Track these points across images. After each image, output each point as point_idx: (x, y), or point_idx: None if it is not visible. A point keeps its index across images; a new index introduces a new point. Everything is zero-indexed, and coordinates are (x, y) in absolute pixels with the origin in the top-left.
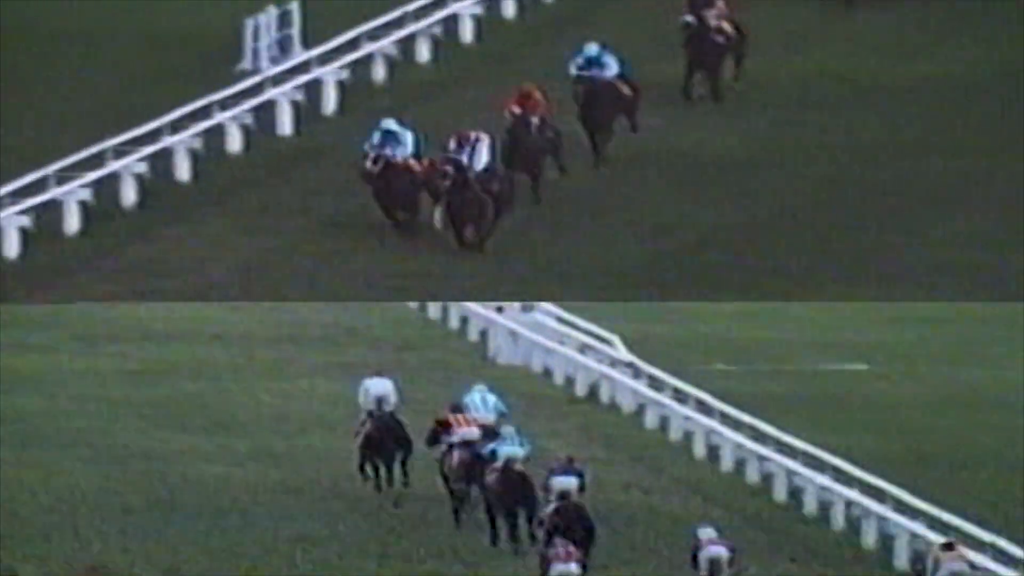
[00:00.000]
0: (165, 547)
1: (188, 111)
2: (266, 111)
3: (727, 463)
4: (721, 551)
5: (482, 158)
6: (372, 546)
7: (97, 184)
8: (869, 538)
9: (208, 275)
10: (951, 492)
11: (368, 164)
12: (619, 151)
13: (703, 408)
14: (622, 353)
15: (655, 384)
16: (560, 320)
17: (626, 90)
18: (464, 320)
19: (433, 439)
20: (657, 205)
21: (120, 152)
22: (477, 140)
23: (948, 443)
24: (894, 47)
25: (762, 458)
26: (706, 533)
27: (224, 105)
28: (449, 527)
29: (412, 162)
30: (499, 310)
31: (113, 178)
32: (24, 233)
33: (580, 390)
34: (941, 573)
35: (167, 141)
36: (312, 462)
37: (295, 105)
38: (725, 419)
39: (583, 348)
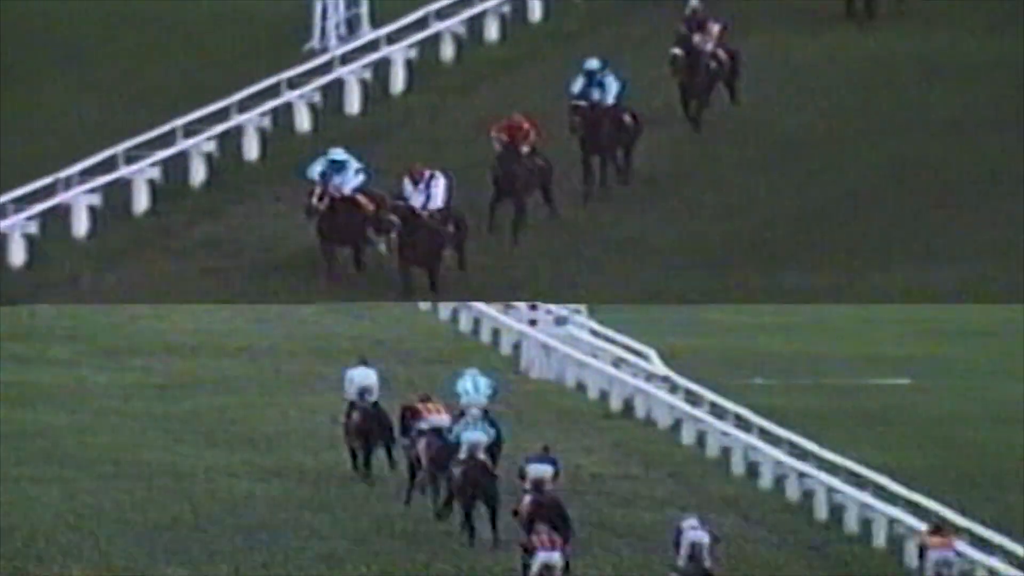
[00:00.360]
0: (190, 565)
1: (257, 90)
2: (334, 90)
3: (766, 480)
4: (702, 535)
5: (438, 197)
6: (402, 566)
7: (166, 163)
8: (911, 556)
9: (275, 254)
10: (995, 510)
11: (313, 200)
12: (690, 132)
13: (741, 423)
14: (658, 367)
15: (692, 399)
16: (594, 333)
17: (628, 119)
18: (496, 333)
19: (403, 427)
20: (727, 185)
21: (189, 131)
22: (432, 178)
23: (993, 459)
24: (967, 24)
25: (802, 475)
26: (688, 523)
27: (293, 84)
28: (485, 544)
29: (360, 197)
30: (532, 323)
31: (182, 157)
32: (93, 212)
33: (615, 405)
34: (928, 562)
35: (236, 120)
36: (340, 479)
37: (363, 84)
38: (764, 435)
39: (618, 362)
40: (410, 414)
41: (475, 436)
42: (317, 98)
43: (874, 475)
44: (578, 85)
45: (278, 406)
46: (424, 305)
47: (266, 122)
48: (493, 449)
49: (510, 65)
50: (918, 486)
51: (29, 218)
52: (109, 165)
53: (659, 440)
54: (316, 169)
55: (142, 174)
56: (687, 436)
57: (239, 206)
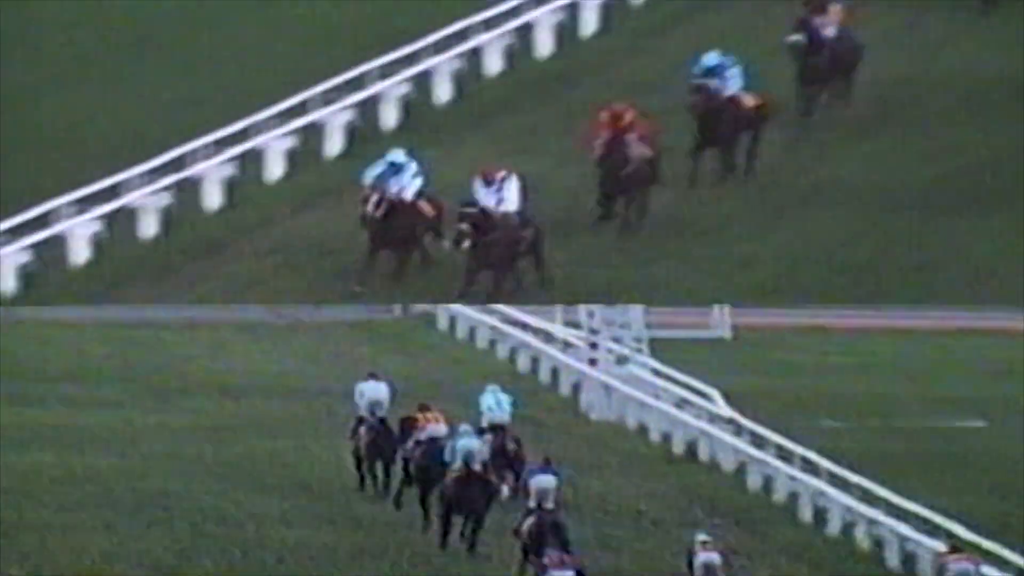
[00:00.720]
0: None
1: (449, 33)
2: (527, 33)
3: (835, 527)
4: (714, 556)
5: (512, 199)
6: None
7: (361, 106)
8: None
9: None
10: None
11: (369, 207)
12: (896, 74)
13: (809, 467)
14: (722, 408)
15: (758, 441)
16: (656, 373)
17: (749, 102)
18: (555, 373)
19: (401, 438)
20: (935, 128)
21: (383, 74)
22: (504, 179)
23: None
24: None
25: (872, 522)
26: (700, 538)
27: (486, 26)
28: None
29: (421, 204)
30: (592, 363)
31: (375, 100)
32: (291, 155)
33: (678, 448)
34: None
35: (429, 62)
36: (396, 527)
37: (557, 27)
38: (833, 479)
39: (681, 403)
40: (408, 425)
41: (469, 443)
42: (510, 41)
43: (947, 522)
44: (698, 73)
45: (332, 450)
46: (482, 344)
47: (459, 65)
48: (513, 465)
49: (703, 6)
50: (993, 534)
51: (223, 162)
52: (304, 108)
53: (723, 484)
54: (372, 173)
55: (337, 117)
56: (752, 480)
57: (431, 149)
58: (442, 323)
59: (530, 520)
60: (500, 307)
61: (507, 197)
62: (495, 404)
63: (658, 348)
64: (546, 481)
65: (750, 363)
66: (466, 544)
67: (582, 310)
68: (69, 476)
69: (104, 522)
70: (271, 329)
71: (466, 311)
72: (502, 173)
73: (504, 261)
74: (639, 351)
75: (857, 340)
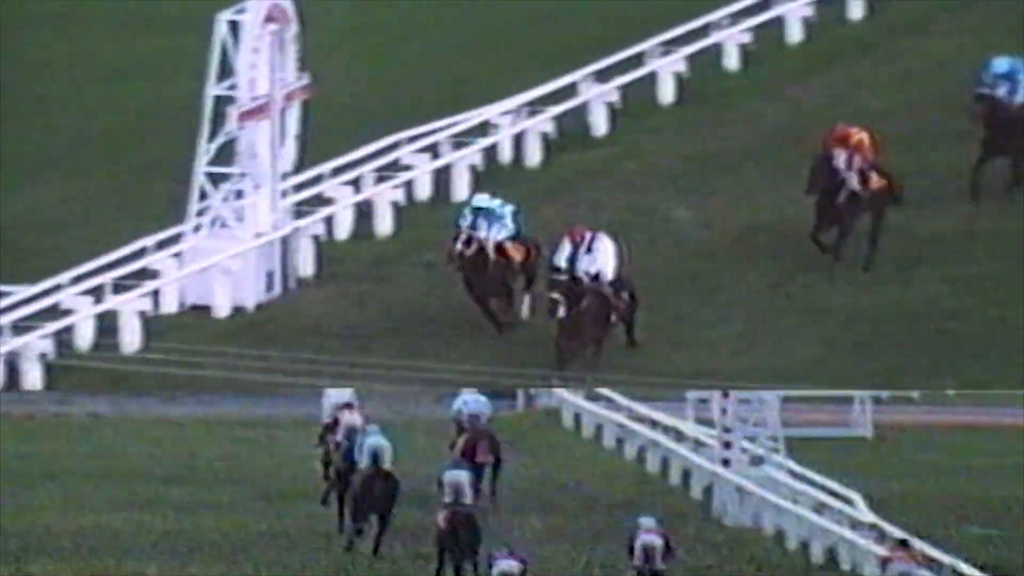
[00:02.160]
0: None
1: None
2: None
3: None
4: (655, 539)
5: (605, 262)
6: None
7: None
8: None
9: None
10: None
11: (459, 245)
12: None
13: None
14: (864, 513)
15: None
16: (794, 475)
17: None
18: (686, 475)
19: (322, 440)
20: None
21: None
22: (594, 240)
23: None
24: None
25: None
26: (646, 523)
27: None
28: None
29: (509, 246)
30: (725, 463)
31: None
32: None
33: (816, 556)
34: (889, 573)
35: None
36: None
37: None
38: None
39: (820, 507)
40: (331, 424)
41: (377, 441)
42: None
43: None
44: (987, 79)
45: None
46: (608, 443)
47: (809, 11)
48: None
49: None
50: None
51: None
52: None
53: None
54: (463, 218)
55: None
56: None
57: None
58: (567, 420)
59: (443, 514)
60: (630, 403)
61: (599, 260)
62: (471, 400)
63: (796, 447)
64: (458, 475)
65: (894, 464)
66: (372, 545)
67: (715, 407)
68: None
69: None
70: (387, 426)
71: (592, 407)
72: (590, 234)
73: (597, 331)
74: (775, 451)
75: (1009, 439)
